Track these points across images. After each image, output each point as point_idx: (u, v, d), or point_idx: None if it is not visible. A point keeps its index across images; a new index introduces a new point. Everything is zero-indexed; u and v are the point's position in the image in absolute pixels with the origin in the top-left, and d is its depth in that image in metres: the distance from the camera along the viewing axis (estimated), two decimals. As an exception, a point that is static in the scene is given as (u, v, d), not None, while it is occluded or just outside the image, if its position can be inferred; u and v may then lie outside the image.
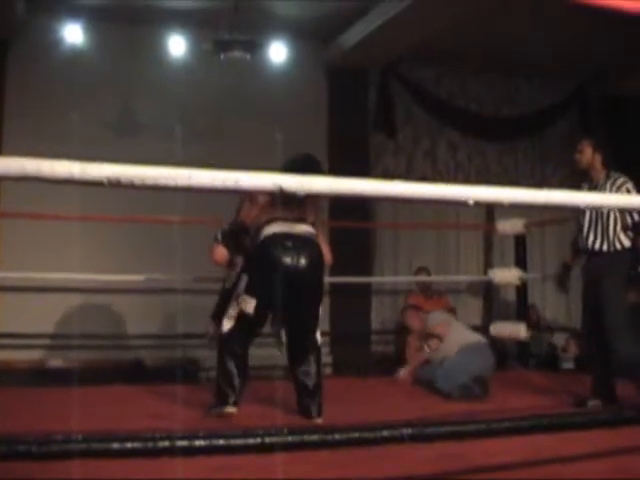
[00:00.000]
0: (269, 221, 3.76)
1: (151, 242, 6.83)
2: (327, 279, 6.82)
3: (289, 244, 3.67)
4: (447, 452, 2.71)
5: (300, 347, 3.84)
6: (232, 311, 3.80)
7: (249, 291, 3.71)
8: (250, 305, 3.68)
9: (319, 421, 3.70)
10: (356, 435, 2.05)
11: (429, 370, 5.18)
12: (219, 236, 4.06)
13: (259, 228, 3.78)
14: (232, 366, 3.75)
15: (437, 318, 5.41)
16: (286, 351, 3.88)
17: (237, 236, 3.98)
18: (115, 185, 1.55)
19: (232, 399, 3.72)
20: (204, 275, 5.62)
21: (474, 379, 4.77)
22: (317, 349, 3.88)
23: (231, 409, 3.70)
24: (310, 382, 3.79)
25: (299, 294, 3.67)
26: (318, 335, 3.89)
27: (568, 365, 7.22)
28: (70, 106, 6.57)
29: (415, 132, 8.32)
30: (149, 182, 1.59)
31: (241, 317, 3.74)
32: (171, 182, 1.61)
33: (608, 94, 8.80)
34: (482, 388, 4.79)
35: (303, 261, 3.65)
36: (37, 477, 2.15)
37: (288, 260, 3.63)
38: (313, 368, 3.82)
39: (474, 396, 4.67)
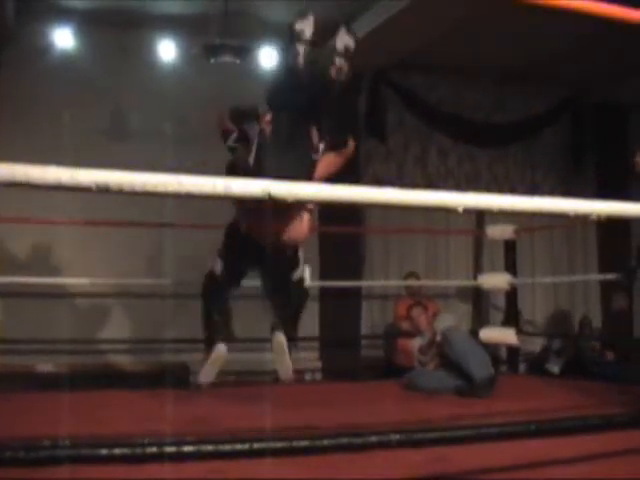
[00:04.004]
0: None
1: (141, 246, 6.82)
2: (317, 283, 6.86)
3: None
4: (435, 457, 2.72)
5: (277, 289, 3.85)
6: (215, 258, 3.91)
7: (220, 254, 3.84)
8: (217, 267, 3.83)
9: (280, 336, 3.68)
10: (345, 441, 2.05)
11: (424, 374, 5.20)
12: (231, 142, 4.00)
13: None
14: (213, 304, 3.86)
15: (448, 319, 5.52)
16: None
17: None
18: (104, 191, 1.55)
19: (219, 337, 3.77)
20: (194, 279, 5.60)
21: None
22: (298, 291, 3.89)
23: (221, 350, 3.74)
24: (284, 307, 3.79)
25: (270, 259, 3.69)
26: (307, 274, 3.95)
27: (556, 369, 7.26)
28: (61, 111, 6.54)
29: (406, 138, 8.33)
30: (138, 188, 1.59)
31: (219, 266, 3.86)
32: (161, 188, 1.61)
33: (600, 101, 8.85)
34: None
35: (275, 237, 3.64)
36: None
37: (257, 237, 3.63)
38: (289, 300, 3.83)
39: (492, 389, 4.75)
